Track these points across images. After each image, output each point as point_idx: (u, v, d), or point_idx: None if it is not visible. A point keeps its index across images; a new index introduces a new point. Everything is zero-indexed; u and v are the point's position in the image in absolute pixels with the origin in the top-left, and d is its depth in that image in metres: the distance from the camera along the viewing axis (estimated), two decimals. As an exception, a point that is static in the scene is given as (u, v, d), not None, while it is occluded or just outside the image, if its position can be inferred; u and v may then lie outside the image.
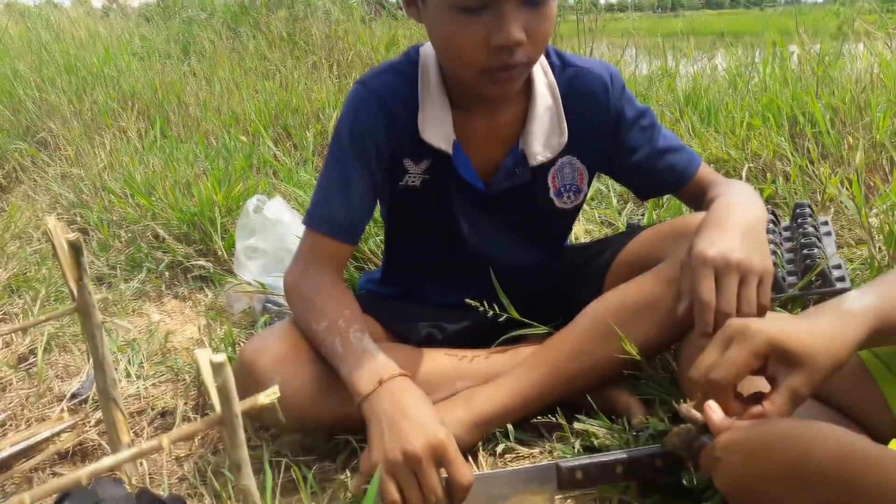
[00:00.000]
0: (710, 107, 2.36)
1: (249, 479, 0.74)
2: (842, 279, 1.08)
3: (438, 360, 1.11)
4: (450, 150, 1.07)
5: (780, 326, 0.66)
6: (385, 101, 1.07)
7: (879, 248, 1.30)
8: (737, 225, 0.88)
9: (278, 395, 0.73)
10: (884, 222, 1.32)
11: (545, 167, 1.13)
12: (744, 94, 2.36)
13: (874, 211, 1.47)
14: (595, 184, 2.11)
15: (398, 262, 1.26)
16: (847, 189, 1.57)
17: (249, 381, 0.97)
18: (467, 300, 1.13)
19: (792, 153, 1.87)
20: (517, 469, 0.95)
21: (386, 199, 1.18)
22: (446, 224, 1.15)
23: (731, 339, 0.67)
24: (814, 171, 1.77)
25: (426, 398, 0.93)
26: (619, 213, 1.93)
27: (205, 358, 0.72)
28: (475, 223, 1.15)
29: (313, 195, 1.12)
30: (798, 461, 0.52)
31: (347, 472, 1.01)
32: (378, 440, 0.87)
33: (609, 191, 2.07)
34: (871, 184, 1.62)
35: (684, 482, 0.85)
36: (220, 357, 0.68)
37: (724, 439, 0.61)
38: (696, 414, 0.66)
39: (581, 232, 1.81)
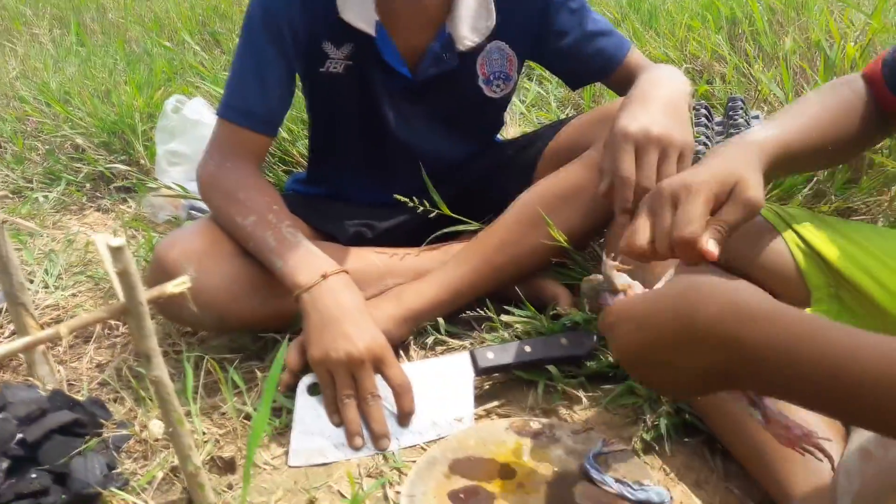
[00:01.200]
0: (652, 9, 2.31)
1: (161, 370, 0.71)
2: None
3: (367, 258, 1.08)
4: (372, 31, 1.01)
5: (711, 170, 0.66)
6: None
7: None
8: (658, 100, 0.86)
9: (188, 284, 0.70)
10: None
11: (473, 53, 1.08)
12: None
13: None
14: (534, 87, 2.07)
15: (323, 158, 1.21)
16: (779, 83, 1.57)
17: (162, 276, 0.92)
18: (396, 196, 1.10)
19: (730, 53, 1.85)
20: (436, 359, 0.95)
21: (307, 88, 1.12)
22: (372, 114, 1.10)
23: (673, 199, 0.66)
24: (750, 72, 1.76)
25: (363, 299, 0.93)
26: (559, 118, 1.89)
27: (102, 243, 0.67)
28: (402, 113, 1.11)
29: (226, 84, 1.05)
30: (686, 320, 0.51)
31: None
32: (318, 336, 0.87)
33: (549, 95, 2.03)
34: (805, 75, 1.61)
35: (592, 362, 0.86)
36: (118, 241, 0.63)
37: (618, 306, 0.60)
38: (614, 274, 0.65)
39: (518, 135, 1.78)
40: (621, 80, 1.10)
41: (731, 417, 0.72)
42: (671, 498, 0.68)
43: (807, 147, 0.74)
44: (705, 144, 1.14)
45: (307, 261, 0.92)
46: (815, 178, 1.13)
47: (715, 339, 0.49)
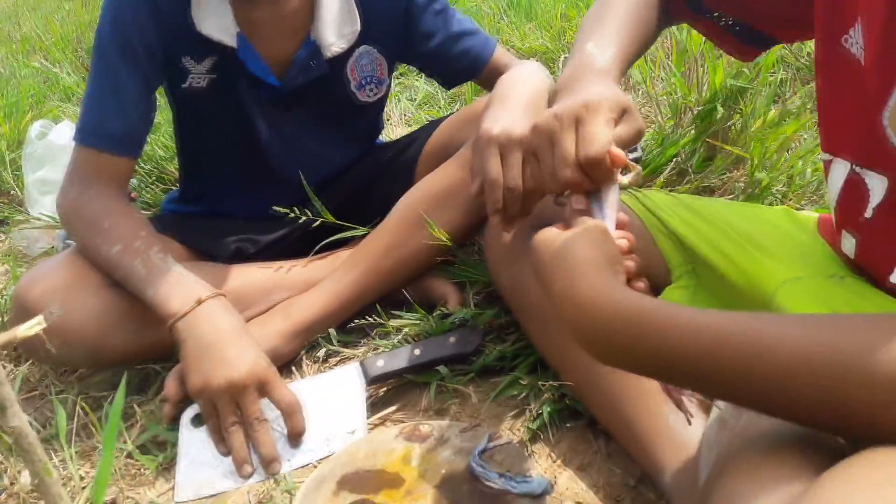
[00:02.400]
0: (531, 1, 2.35)
1: (19, 419, 0.67)
2: (633, 149, 1.12)
3: (250, 275, 1.06)
4: (234, 43, 0.98)
5: (601, 95, 0.64)
6: None
7: (666, 116, 1.36)
8: (518, 100, 0.87)
9: (44, 325, 0.66)
10: (666, 92, 1.38)
11: (342, 58, 1.07)
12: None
13: (663, 85, 1.53)
14: (423, 86, 2.08)
15: (196, 175, 1.17)
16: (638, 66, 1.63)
17: (24, 316, 0.87)
18: (274, 208, 1.07)
19: (605, 40, 1.91)
20: (325, 374, 0.94)
21: (172, 105, 1.08)
22: (242, 127, 1.07)
23: (577, 120, 0.62)
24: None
25: (243, 321, 0.91)
26: (448, 114, 1.90)
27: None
28: (274, 123, 1.08)
29: (82, 107, 1.00)
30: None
31: (156, 401, 0.95)
32: (196, 365, 0.84)
33: (437, 92, 2.04)
34: (661, 60, 1.67)
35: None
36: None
37: (544, 235, 0.60)
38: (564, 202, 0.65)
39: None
40: (490, 78, 1.11)
41: (606, 397, 0.74)
42: (552, 485, 0.70)
43: (634, 58, 0.77)
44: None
45: (180, 287, 0.89)
46: (675, 159, 1.19)
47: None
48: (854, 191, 0.66)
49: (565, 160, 0.62)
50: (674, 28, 1.52)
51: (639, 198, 0.85)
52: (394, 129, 1.81)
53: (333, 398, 0.89)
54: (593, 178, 0.62)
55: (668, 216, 0.82)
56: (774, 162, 1.15)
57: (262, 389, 0.85)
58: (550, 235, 0.58)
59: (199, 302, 0.87)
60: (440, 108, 1.98)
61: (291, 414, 0.85)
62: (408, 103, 2.00)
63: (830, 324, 0.42)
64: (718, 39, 0.83)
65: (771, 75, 1.23)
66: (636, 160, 1.16)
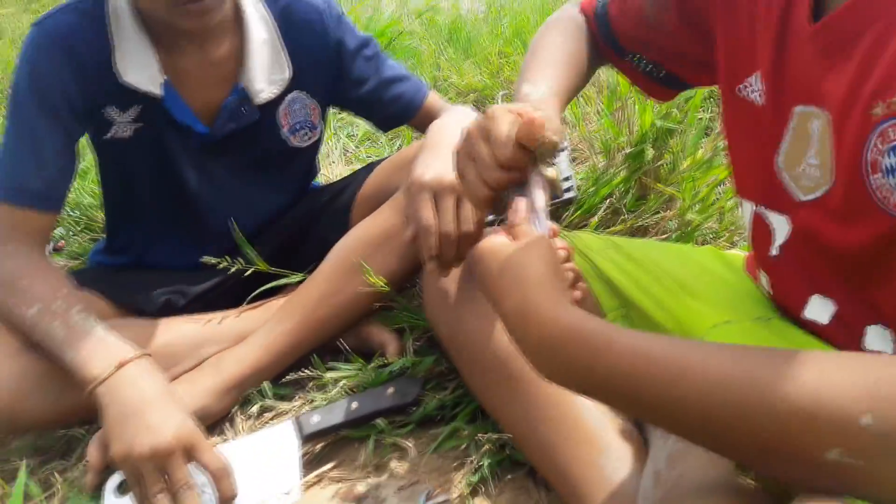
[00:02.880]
0: (469, 38, 2.39)
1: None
2: (569, 189, 1.13)
3: (178, 329, 1.02)
4: (160, 91, 0.96)
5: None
6: (68, 43, 0.93)
7: (598, 154, 1.39)
8: (449, 146, 0.87)
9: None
10: (596, 132, 1.41)
11: (274, 104, 1.05)
12: (497, 23, 2.42)
13: (593, 126, 1.56)
14: (364, 124, 2.07)
15: (122, 225, 1.12)
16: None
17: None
18: (204, 259, 1.04)
19: (541, 77, 1.95)
20: (258, 433, 0.90)
21: (95, 154, 1.04)
22: (170, 175, 1.04)
23: (482, 130, 0.61)
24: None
25: (167, 382, 0.87)
26: (388, 152, 1.90)
27: None
28: (204, 171, 1.06)
29: (-4, 162, 0.95)
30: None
31: (81, 468, 0.90)
32: (119, 432, 0.80)
33: (378, 130, 2.03)
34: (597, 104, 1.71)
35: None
36: None
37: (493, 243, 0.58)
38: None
39: (347, 173, 1.76)
40: (424, 122, 1.11)
41: (543, 448, 0.73)
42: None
43: (571, 92, 0.77)
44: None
45: (100, 349, 0.84)
46: (608, 199, 1.20)
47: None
48: (761, 230, 0.68)
49: (485, 162, 0.61)
50: (602, 70, 1.56)
51: (572, 240, 0.86)
52: (335, 167, 1.80)
53: (267, 457, 0.86)
54: (517, 165, 0.60)
55: (599, 259, 0.83)
56: (705, 201, 1.17)
57: (190, 454, 0.81)
58: (497, 246, 0.57)
59: (121, 365, 0.83)
60: (381, 144, 1.97)
61: (221, 478, 0.81)
62: (348, 140, 1.99)
63: (751, 354, 0.43)
64: (638, 81, 0.85)
65: (700, 113, 1.27)
66: (569, 201, 1.17)
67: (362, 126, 2.05)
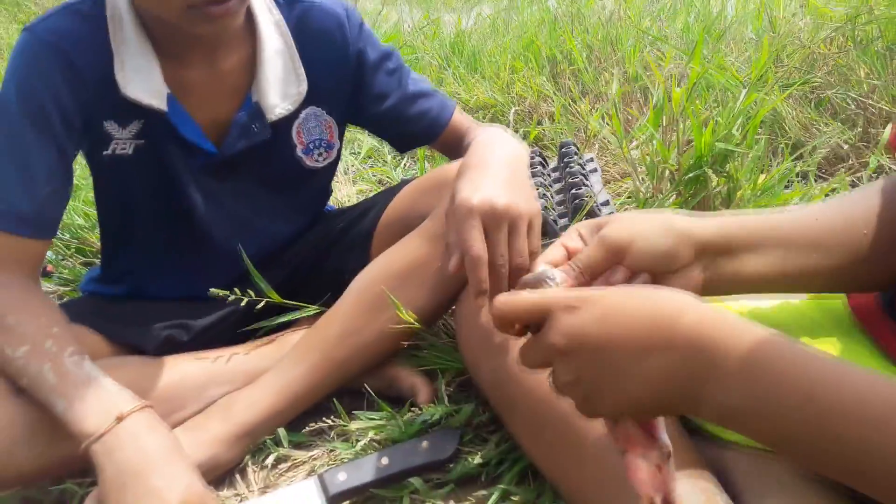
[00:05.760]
0: (475, 52, 2.31)
1: None
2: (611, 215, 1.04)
3: (183, 369, 0.92)
4: (164, 105, 0.87)
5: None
6: (63, 50, 0.84)
7: (643, 178, 1.31)
8: (497, 166, 0.78)
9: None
10: (644, 154, 1.33)
11: (288, 121, 0.96)
12: (504, 36, 2.34)
13: (634, 143, 1.48)
14: (368, 139, 1.98)
15: (119, 252, 1.02)
16: (608, 123, 1.58)
17: None
18: (211, 290, 0.94)
19: (555, 93, 1.87)
20: (277, 491, 0.80)
21: (92, 173, 0.95)
22: (174, 197, 0.94)
23: None
24: (576, 109, 1.78)
25: (174, 437, 0.77)
26: (395, 170, 1.81)
27: None
28: (211, 193, 0.96)
29: (-18, 185, 0.85)
30: (666, 322, 0.44)
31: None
32: (117, 496, 0.71)
33: (383, 146, 1.95)
34: (630, 116, 1.65)
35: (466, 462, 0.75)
36: None
37: (580, 291, 0.49)
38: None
39: (353, 193, 1.67)
40: (448, 142, 1.03)
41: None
42: None
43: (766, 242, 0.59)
44: (543, 196, 1.09)
45: (96, 400, 0.74)
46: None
47: (692, 347, 0.44)
48: None
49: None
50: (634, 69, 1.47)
51: None
52: (340, 188, 1.70)
53: (288, 520, 0.76)
54: None
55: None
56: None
57: None
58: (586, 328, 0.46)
59: (120, 419, 0.73)
60: (386, 162, 1.89)
61: None
62: (351, 158, 1.90)
63: None
64: None
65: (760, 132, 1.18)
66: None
67: (366, 142, 1.96)
